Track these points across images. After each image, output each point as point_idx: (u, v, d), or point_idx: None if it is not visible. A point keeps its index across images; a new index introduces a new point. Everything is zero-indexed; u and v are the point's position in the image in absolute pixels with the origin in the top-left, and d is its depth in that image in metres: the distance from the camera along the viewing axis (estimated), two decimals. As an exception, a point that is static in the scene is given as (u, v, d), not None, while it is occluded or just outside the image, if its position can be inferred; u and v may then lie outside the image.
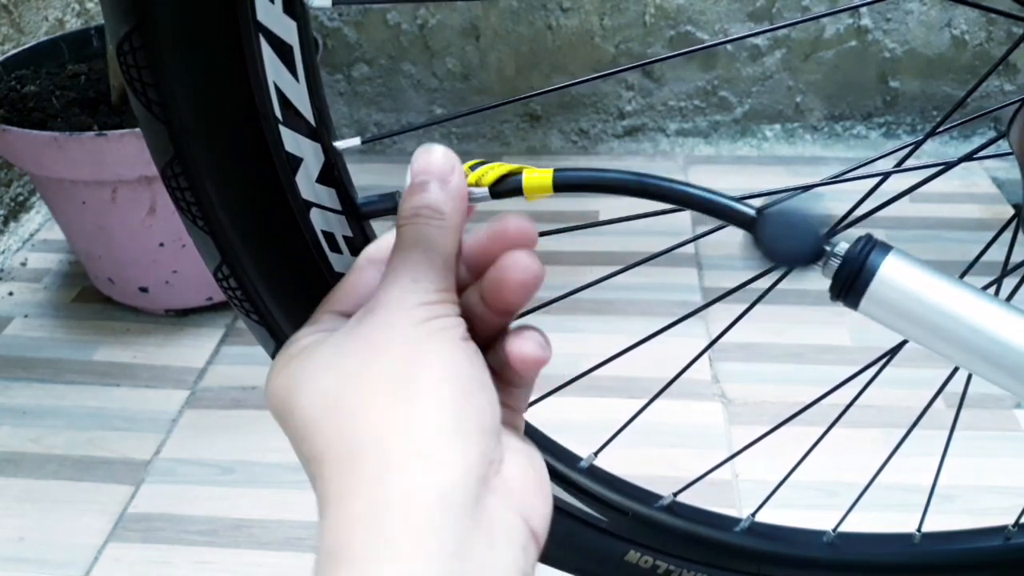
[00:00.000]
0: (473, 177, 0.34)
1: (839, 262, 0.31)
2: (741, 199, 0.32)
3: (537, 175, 0.33)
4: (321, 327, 0.33)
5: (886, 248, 0.31)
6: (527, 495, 0.31)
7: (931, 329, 0.30)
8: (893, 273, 0.30)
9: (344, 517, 0.27)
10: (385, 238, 0.35)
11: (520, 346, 0.32)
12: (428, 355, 0.30)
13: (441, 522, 0.27)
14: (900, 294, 0.30)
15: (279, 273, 0.37)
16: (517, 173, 0.33)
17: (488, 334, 0.33)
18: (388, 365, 0.29)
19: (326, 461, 0.29)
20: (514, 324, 0.34)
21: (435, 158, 0.33)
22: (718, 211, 0.32)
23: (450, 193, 0.32)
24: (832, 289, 0.32)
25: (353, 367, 0.30)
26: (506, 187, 0.33)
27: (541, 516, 0.32)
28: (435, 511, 0.27)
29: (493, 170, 0.33)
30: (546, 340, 0.33)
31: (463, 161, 0.34)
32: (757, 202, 0.32)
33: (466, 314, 0.32)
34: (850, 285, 0.31)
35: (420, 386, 0.29)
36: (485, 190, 0.33)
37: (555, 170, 0.33)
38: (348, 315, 0.33)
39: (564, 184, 0.33)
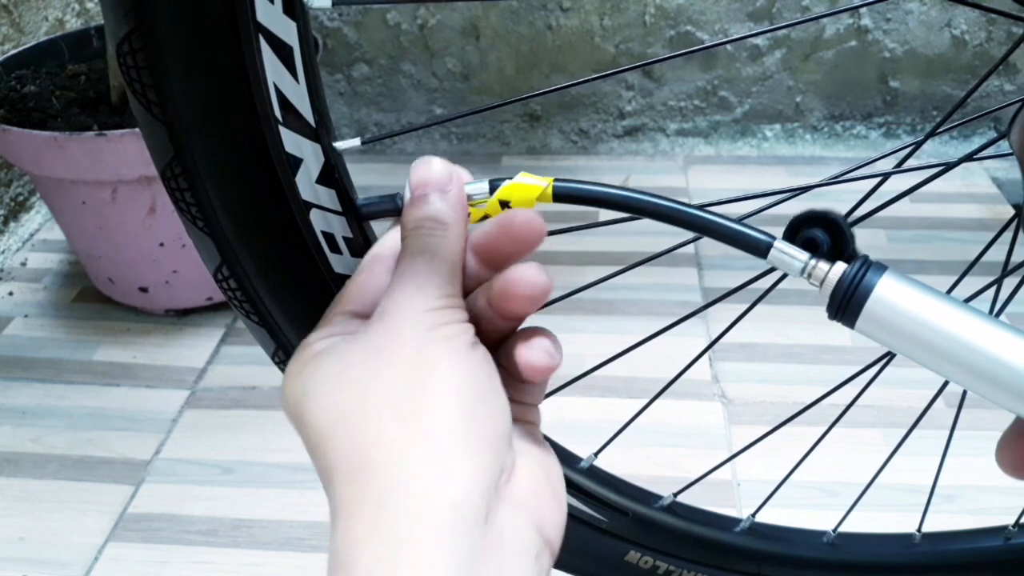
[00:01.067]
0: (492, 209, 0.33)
1: (836, 282, 0.31)
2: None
3: (535, 184, 0.33)
4: (333, 330, 0.33)
5: (882, 268, 0.31)
6: (540, 503, 0.31)
7: (926, 348, 0.31)
8: (888, 293, 0.31)
9: (352, 530, 0.28)
10: (390, 236, 0.35)
11: (528, 355, 0.32)
12: (435, 363, 0.29)
13: (450, 534, 0.27)
14: (895, 313, 0.31)
15: (279, 274, 0.37)
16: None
17: (498, 335, 0.33)
18: (395, 375, 0.29)
19: (335, 474, 0.29)
20: (524, 325, 0.34)
21: (433, 169, 0.33)
22: (732, 238, 0.32)
23: (450, 202, 0.32)
24: (829, 308, 0.32)
25: (359, 378, 0.30)
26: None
27: (555, 524, 0.32)
28: (444, 523, 0.27)
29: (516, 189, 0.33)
30: (555, 345, 0.33)
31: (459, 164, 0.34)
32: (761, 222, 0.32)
33: (474, 316, 0.32)
34: (846, 304, 0.31)
35: (427, 397, 0.29)
36: (486, 191, 0.33)
37: (555, 180, 0.33)
38: (360, 315, 0.33)
39: (563, 195, 0.33)
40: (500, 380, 0.31)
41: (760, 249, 0.32)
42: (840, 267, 0.32)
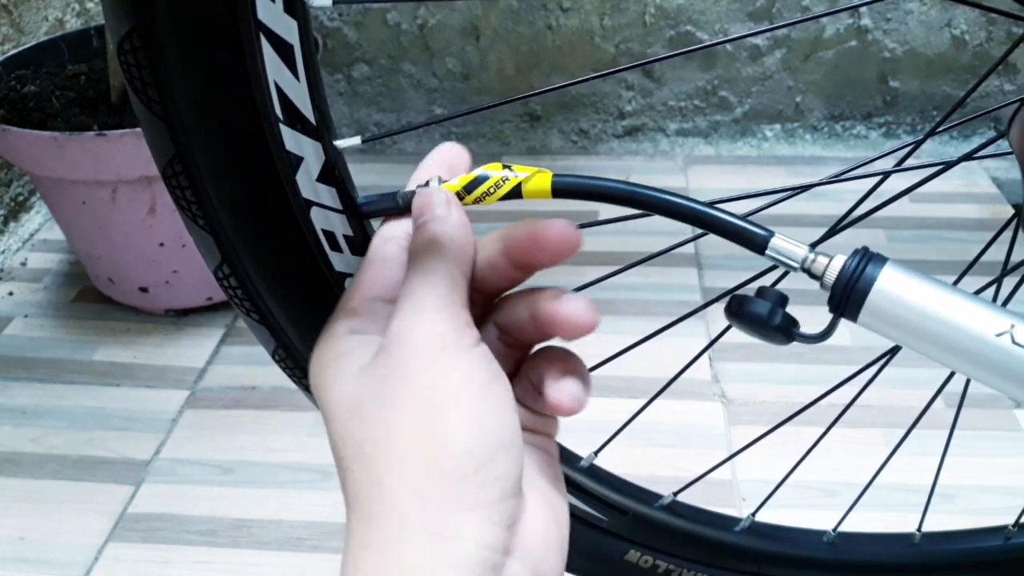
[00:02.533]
0: (471, 199, 0.33)
1: (836, 275, 0.31)
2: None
3: (536, 180, 0.33)
4: (357, 322, 0.32)
5: (882, 259, 0.31)
6: (545, 551, 0.31)
7: (931, 338, 0.31)
8: (890, 284, 0.30)
9: (361, 572, 0.28)
10: (401, 222, 0.34)
11: (558, 396, 0.32)
12: (452, 402, 0.29)
13: None
14: (898, 304, 0.30)
15: (279, 272, 0.37)
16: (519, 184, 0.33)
17: (530, 340, 0.33)
18: (410, 415, 0.29)
19: (351, 502, 0.29)
20: (557, 344, 0.34)
21: (435, 198, 0.33)
22: (729, 231, 0.32)
23: (451, 225, 0.32)
24: (830, 303, 0.32)
25: (375, 418, 0.29)
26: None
27: (555, 572, 0.31)
28: None
29: (500, 183, 0.33)
30: (585, 384, 0.33)
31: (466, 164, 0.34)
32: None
33: (509, 320, 0.32)
34: (848, 298, 0.31)
35: (444, 440, 0.28)
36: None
37: (554, 175, 0.33)
38: (382, 299, 0.32)
39: (562, 190, 0.33)
40: (517, 418, 0.30)
41: (758, 243, 0.32)
42: (840, 260, 0.31)
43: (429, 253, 0.31)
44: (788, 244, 0.32)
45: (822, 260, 0.31)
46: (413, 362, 0.29)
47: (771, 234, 0.32)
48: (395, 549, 0.28)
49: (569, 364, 0.33)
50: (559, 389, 0.32)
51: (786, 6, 1.41)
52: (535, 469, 0.33)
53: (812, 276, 0.32)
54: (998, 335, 0.29)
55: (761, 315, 0.32)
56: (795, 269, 0.32)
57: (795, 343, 0.33)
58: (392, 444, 0.29)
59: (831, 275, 0.31)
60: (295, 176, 0.34)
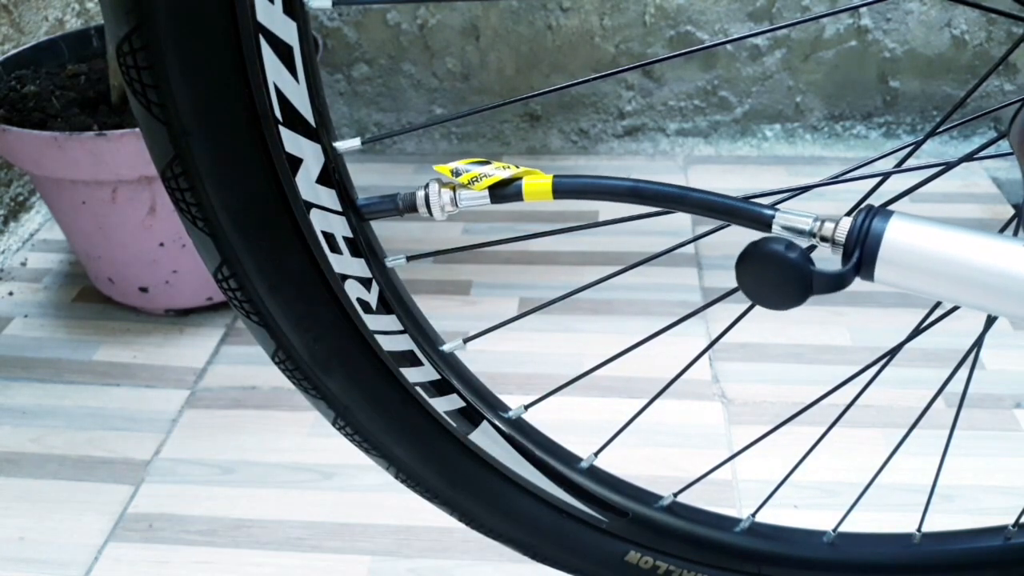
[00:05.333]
0: (466, 177, 0.34)
1: (843, 237, 0.31)
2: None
3: (538, 181, 0.33)
4: None
5: (888, 213, 0.31)
6: None
7: (951, 280, 0.30)
8: (899, 235, 0.30)
9: None
10: None
11: None
12: None
13: None
14: (911, 253, 0.30)
15: (279, 274, 0.37)
16: (517, 180, 0.34)
17: None
18: None
19: None
20: None
21: None
22: (733, 213, 0.32)
23: None
24: (844, 261, 0.32)
25: None
26: (506, 193, 0.34)
27: None
28: None
29: (497, 169, 0.34)
30: None
31: (462, 159, 0.34)
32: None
33: None
34: (860, 256, 0.31)
35: None
36: (485, 195, 0.34)
37: (554, 176, 0.33)
38: None
39: (563, 190, 0.33)
40: None
41: (765, 221, 0.32)
42: (847, 220, 0.31)
43: None
44: (793, 216, 0.32)
45: (829, 224, 0.31)
46: None
47: (775, 210, 0.32)
48: None
49: None
50: None
51: (786, 6, 1.41)
52: None
53: (823, 241, 0.32)
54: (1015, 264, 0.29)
55: (778, 250, 0.31)
56: (804, 238, 0.32)
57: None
58: None
59: (840, 235, 0.31)
60: (295, 178, 0.35)
